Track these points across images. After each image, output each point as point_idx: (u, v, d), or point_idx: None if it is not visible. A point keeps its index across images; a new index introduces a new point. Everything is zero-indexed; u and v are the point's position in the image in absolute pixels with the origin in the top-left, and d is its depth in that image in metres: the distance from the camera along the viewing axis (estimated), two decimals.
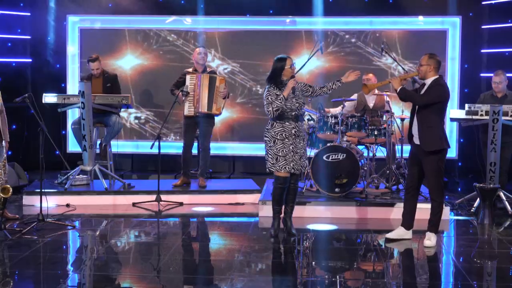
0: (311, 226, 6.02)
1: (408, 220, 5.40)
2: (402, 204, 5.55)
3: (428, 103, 5.13)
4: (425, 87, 5.22)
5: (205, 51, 7.21)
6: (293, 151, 5.38)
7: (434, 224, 5.28)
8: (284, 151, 5.37)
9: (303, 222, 6.13)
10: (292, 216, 5.61)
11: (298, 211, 6.25)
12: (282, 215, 5.63)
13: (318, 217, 6.28)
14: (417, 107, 5.24)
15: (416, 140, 5.26)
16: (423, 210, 5.77)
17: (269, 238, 5.46)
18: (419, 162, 5.27)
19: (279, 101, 5.33)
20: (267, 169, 5.47)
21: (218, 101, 7.02)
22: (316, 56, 7.56)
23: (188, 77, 7.04)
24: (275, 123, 5.40)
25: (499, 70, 6.97)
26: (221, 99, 7.03)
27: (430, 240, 5.25)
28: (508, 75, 7.01)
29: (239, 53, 8.69)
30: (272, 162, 5.39)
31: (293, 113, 5.40)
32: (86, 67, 7.52)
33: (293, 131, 5.39)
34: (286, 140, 5.37)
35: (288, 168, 5.36)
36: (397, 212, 5.97)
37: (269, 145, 5.41)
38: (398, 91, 5.25)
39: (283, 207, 5.60)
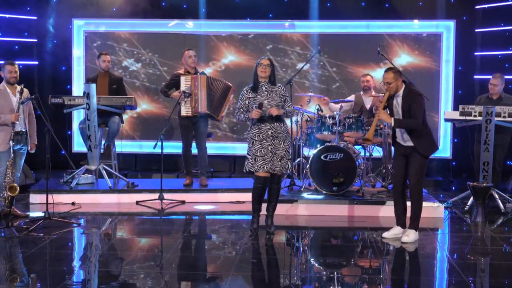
0: (310, 224, 6.12)
1: (402, 219, 5.47)
2: None
3: (421, 118, 5.15)
4: (399, 98, 5.23)
5: (195, 53, 7.29)
6: (272, 152, 5.39)
7: (414, 221, 5.33)
8: (262, 151, 5.38)
9: (302, 220, 6.23)
10: (273, 214, 5.61)
11: (297, 209, 6.40)
12: (263, 213, 5.61)
13: (316, 215, 6.36)
14: (399, 114, 5.26)
15: (405, 143, 5.28)
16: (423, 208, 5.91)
17: (250, 236, 5.46)
18: (405, 162, 5.32)
19: (239, 113, 5.47)
20: (245, 169, 5.48)
21: (225, 109, 7.19)
22: (314, 59, 7.71)
23: (182, 78, 7.11)
24: (253, 125, 5.46)
25: (498, 73, 7.03)
26: (227, 107, 7.21)
27: (408, 236, 5.31)
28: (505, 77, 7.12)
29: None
30: (251, 162, 5.41)
31: (267, 115, 5.39)
32: (94, 66, 7.61)
33: (269, 132, 5.39)
34: (264, 141, 5.39)
35: (267, 168, 5.37)
36: (393, 210, 6.05)
37: (249, 146, 5.46)
38: (393, 125, 5.23)
39: (266, 206, 5.62)
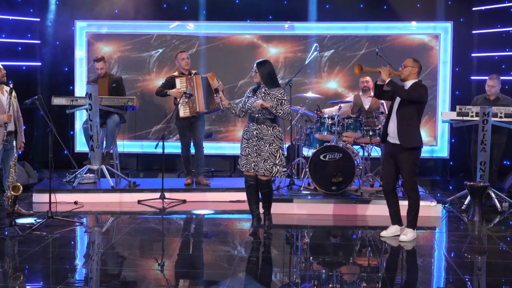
0: (309, 223, 6.17)
1: (396, 217, 5.50)
2: None
3: (411, 99, 5.14)
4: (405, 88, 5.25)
5: (188, 55, 7.33)
6: (257, 153, 5.44)
7: (411, 220, 5.36)
8: (247, 150, 5.46)
9: (301, 219, 6.29)
10: (269, 217, 5.65)
11: (296, 208, 6.47)
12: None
13: (316, 214, 6.42)
14: (397, 105, 5.26)
15: (392, 139, 5.29)
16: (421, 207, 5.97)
17: (249, 235, 5.54)
18: (394, 162, 5.32)
19: (237, 107, 5.60)
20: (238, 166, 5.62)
21: (221, 95, 7.17)
22: (313, 59, 7.76)
23: (177, 80, 7.14)
24: (246, 123, 5.59)
25: (494, 74, 7.11)
26: (221, 92, 7.20)
27: (406, 235, 5.35)
28: (501, 78, 7.18)
29: None
30: (239, 160, 5.55)
31: (255, 115, 5.45)
32: (94, 69, 7.74)
33: (254, 133, 5.44)
34: (250, 140, 5.46)
35: (247, 167, 5.45)
36: None
37: (240, 144, 5.58)
38: (387, 81, 5.23)
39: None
